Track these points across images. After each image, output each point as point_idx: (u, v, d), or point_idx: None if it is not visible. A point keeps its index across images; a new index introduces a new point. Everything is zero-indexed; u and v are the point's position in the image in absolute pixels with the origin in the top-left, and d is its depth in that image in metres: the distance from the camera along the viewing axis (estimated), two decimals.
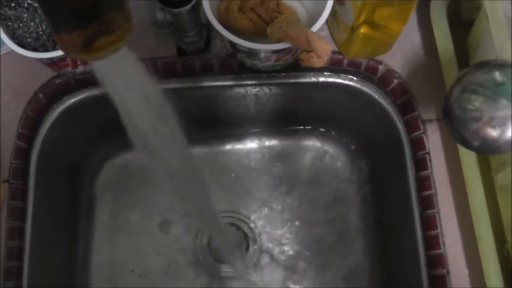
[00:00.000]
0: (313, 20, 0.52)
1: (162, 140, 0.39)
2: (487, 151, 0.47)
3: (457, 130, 0.44)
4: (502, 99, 0.41)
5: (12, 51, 0.50)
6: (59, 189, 0.66)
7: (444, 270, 0.53)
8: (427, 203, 0.55)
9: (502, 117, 0.41)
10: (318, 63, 0.50)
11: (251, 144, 0.76)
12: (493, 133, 0.42)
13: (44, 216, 0.60)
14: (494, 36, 0.48)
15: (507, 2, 0.50)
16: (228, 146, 0.76)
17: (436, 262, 0.53)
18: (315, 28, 0.49)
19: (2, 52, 0.59)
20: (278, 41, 0.50)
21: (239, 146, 0.76)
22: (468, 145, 0.44)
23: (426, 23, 0.59)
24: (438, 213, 0.55)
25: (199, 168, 0.61)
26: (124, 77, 0.31)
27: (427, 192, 0.56)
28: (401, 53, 0.60)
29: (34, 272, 0.57)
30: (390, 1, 0.49)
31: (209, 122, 0.71)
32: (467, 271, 0.53)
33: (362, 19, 0.51)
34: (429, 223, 0.55)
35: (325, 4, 0.50)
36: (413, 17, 0.61)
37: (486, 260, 0.50)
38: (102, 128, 0.68)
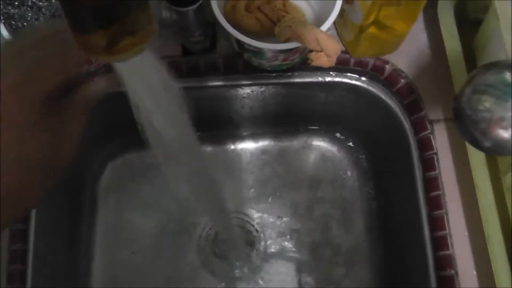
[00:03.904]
0: (320, 19, 0.51)
1: (177, 138, 0.39)
2: (498, 152, 0.47)
3: (469, 131, 0.43)
4: None
5: None
6: (61, 191, 0.65)
7: (453, 271, 0.53)
8: (435, 203, 0.55)
9: None
10: (328, 62, 0.50)
11: (255, 144, 0.76)
12: (505, 134, 0.41)
13: (46, 219, 0.59)
14: (504, 36, 0.47)
15: None
16: (232, 146, 0.75)
17: (445, 263, 0.53)
18: (324, 27, 0.49)
19: None
20: (287, 40, 0.49)
21: (243, 146, 0.76)
22: (479, 146, 0.44)
23: (433, 22, 0.59)
24: (446, 213, 0.54)
25: (212, 166, 0.60)
26: (145, 75, 0.30)
27: (435, 193, 0.55)
28: (408, 53, 0.60)
29: (38, 275, 0.56)
30: (398, 1, 0.49)
31: (214, 122, 0.71)
32: (475, 272, 0.53)
33: (371, 19, 0.50)
34: (437, 223, 0.54)
35: (333, 4, 0.50)
36: (419, 16, 0.60)
37: (496, 260, 0.49)
38: (105, 128, 0.67)
